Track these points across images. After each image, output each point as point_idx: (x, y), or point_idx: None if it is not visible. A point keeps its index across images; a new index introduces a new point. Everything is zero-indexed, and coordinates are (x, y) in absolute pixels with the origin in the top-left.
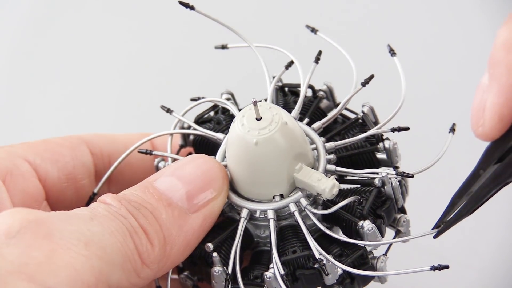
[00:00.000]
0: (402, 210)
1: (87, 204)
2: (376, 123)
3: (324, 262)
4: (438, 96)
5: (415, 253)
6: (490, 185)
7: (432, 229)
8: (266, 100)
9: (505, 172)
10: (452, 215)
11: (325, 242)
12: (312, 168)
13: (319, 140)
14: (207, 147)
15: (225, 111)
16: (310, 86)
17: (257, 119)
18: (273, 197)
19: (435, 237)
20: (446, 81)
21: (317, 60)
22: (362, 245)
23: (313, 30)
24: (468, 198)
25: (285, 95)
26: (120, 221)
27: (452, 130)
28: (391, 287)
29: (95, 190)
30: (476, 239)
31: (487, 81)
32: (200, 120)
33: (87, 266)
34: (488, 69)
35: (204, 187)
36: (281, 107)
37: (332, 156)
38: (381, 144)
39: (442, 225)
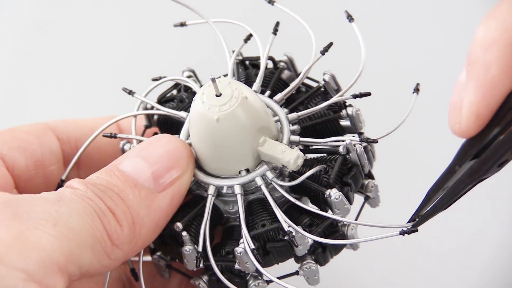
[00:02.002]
0: (370, 176)
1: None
2: (338, 90)
3: (294, 233)
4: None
5: (415, 253)
6: (466, 181)
7: (408, 222)
8: (227, 75)
9: (480, 169)
10: (427, 209)
11: (295, 213)
12: (276, 140)
13: (281, 112)
14: (172, 126)
15: (188, 89)
16: (270, 58)
17: (217, 95)
18: (239, 172)
19: (409, 231)
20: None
21: (275, 31)
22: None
23: (270, 1)
24: (444, 193)
25: (246, 68)
26: (87, 203)
27: (416, 90)
28: (391, 286)
29: (63, 177)
30: (476, 239)
31: (464, 79)
32: (163, 100)
33: (56, 246)
34: (466, 67)
35: (170, 166)
36: (243, 81)
37: (295, 127)
38: (344, 111)
39: (417, 219)
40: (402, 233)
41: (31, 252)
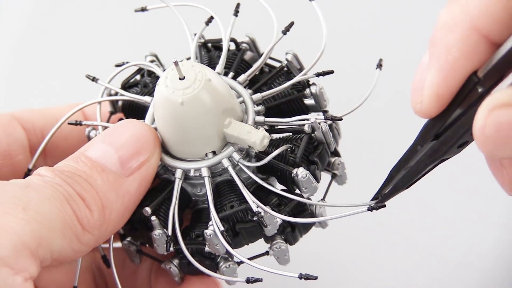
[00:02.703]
0: (336, 154)
1: None
2: (301, 69)
3: (262, 214)
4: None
5: (415, 253)
6: (426, 160)
7: (370, 200)
8: (189, 58)
9: (440, 150)
10: (389, 188)
11: (263, 193)
12: (241, 121)
13: (245, 93)
14: (137, 111)
15: (151, 73)
16: (232, 40)
17: (180, 79)
18: (206, 155)
19: (371, 209)
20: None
21: (236, 13)
22: (299, 193)
23: None
24: (405, 173)
25: (209, 51)
26: (56, 188)
27: (379, 66)
28: (391, 286)
29: (30, 166)
30: (476, 239)
31: (427, 60)
32: (127, 85)
33: (27, 230)
34: (429, 48)
35: (136, 150)
36: (206, 63)
37: (260, 108)
38: (307, 90)
39: (380, 197)
40: (370, 209)
41: (3, 236)
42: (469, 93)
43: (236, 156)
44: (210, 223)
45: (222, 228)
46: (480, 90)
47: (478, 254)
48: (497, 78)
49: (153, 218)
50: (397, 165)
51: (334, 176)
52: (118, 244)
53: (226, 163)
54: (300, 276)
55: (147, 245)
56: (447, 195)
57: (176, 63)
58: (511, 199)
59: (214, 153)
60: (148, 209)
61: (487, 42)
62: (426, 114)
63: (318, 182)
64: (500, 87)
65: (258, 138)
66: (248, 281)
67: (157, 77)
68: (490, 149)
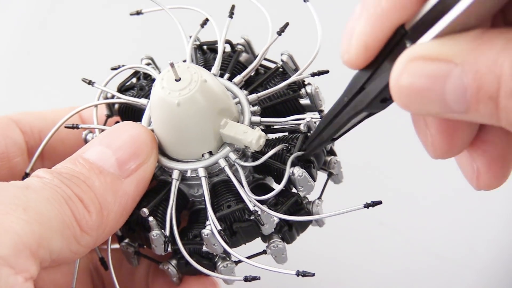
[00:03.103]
0: (332, 153)
1: None
2: (296, 70)
3: (259, 212)
4: None
5: (415, 253)
6: (350, 112)
7: (297, 152)
8: (185, 61)
9: (363, 102)
10: (315, 140)
11: (259, 192)
12: (237, 122)
13: (241, 94)
14: (133, 114)
15: (147, 76)
16: (228, 41)
17: (176, 80)
18: (202, 155)
19: (367, 206)
20: None
21: (231, 15)
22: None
23: None
24: (331, 125)
25: (204, 53)
26: (55, 190)
27: None
28: (391, 286)
29: (28, 170)
30: (476, 239)
31: (358, 10)
32: (123, 88)
33: (28, 230)
34: None
35: (133, 152)
36: (201, 65)
37: (256, 108)
38: (303, 90)
39: (305, 149)
40: (367, 206)
41: (4, 236)
42: (396, 46)
43: (233, 156)
44: (208, 222)
45: (219, 228)
46: (407, 42)
47: (477, 254)
48: (423, 31)
49: (151, 219)
50: (325, 117)
51: (330, 175)
52: (115, 246)
53: (222, 163)
54: (298, 273)
55: (144, 246)
56: (447, 195)
57: (172, 65)
58: (511, 199)
59: (210, 153)
60: (145, 210)
61: None
62: (353, 65)
63: (314, 181)
64: (423, 40)
65: (254, 138)
66: (246, 279)
67: (153, 80)
68: (403, 102)
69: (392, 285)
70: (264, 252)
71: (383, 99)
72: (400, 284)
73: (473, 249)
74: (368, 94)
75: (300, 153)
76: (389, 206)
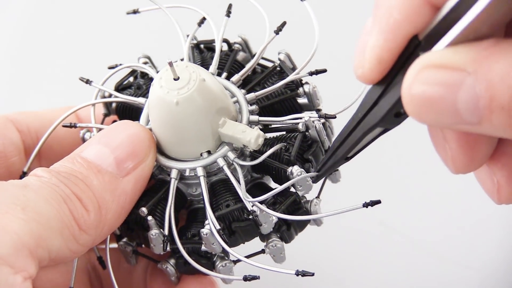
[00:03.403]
0: None
1: None
2: (294, 69)
3: (258, 212)
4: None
5: (415, 253)
6: (364, 128)
7: (316, 171)
8: (183, 59)
9: (376, 116)
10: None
11: (258, 192)
12: (236, 121)
13: (239, 93)
14: (131, 113)
15: (144, 75)
16: (225, 40)
17: (175, 79)
18: (201, 154)
19: (314, 181)
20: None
21: (228, 13)
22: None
23: None
24: (345, 142)
25: (202, 52)
26: (53, 189)
27: None
28: (390, 285)
29: (25, 169)
30: (476, 239)
31: (370, 23)
32: (120, 87)
33: (26, 230)
34: (373, 11)
35: (132, 151)
36: (199, 64)
37: (254, 107)
38: (301, 89)
39: (320, 169)
40: (366, 205)
41: (3, 236)
42: (410, 57)
43: (231, 155)
44: (206, 222)
45: (218, 227)
46: (421, 53)
47: (477, 254)
48: (437, 41)
49: (150, 218)
50: (339, 135)
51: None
52: (114, 245)
53: (221, 162)
54: (297, 273)
55: (143, 245)
56: (447, 195)
57: (170, 64)
58: None
59: (209, 152)
60: (144, 209)
61: (429, 4)
62: (367, 79)
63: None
64: (436, 49)
65: (253, 137)
66: (246, 278)
67: (151, 79)
68: (415, 112)
69: (392, 285)
70: (263, 251)
71: (397, 113)
72: (400, 284)
73: (474, 249)
74: (382, 108)
75: (314, 174)
76: (388, 205)
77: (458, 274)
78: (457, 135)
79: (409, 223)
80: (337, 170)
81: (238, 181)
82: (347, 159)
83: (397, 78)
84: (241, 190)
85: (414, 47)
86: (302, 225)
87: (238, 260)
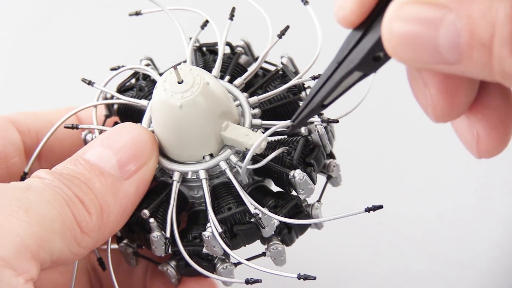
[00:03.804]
0: (331, 156)
1: None
2: (296, 73)
3: (260, 215)
4: None
5: (415, 253)
6: (341, 72)
7: (291, 121)
8: (185, 62)
9: (354, 60)
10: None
11: (259, 195)
12: (238, 124)
13: (242, 96)
14: (133, 114)
15: (146, 77)
16: (228, 43)
17: (179, 82)
18: (203, 157)
19: (289, 132)
20: None
21: (231, 17)
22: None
23: None
24: (321, 89)
25: (204, 54)
26: (55, 191)
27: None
28: (389, 285)
29: (26, 170)
30: (476, 239)
31: None
32: (122, 89)
33: (29, 232)
34: None
35: (134, 154)
36: (201, 67)
37: (256, 111)
38: (303, 93)
39: (295, 118)
40: (368, 210)
41: (6, 238)
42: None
43: (234, 159)
44: (208, 225)
45: (220, 230)
46: None
47: (477, 254)
48: None
49: (151, 220)
50: (316, 83)
51: (329, 177)
52: (114, 246)
53: (223, 165)
54: (299, 277)
55: (143, 247)
56: (447, 195)
57: (175, 67)
58: (511, 199)
59: (211, 155)
60: (146, 212)
61: None
62: (348, 21)
63: (314, 184)
64: None
65: (256, 141)
66: (248, 282)
67: (153, 81)
68: (395, 50)
69: (392, 285)
70: (264, 254)
71: (376, 57)
72: (400, 285)
73: (474, 249)
74: (361, 50)
75: (289, 123)
76: (388, 205)
77: (458, 274)
78: (437, 79)
79: (409, 223)
80: (335, 177)
81: (240, 184)
82: (323, 106)
83: (377, 19)
84: (245, 194)
85: None
86: (303, 228)
87: (239, 263)
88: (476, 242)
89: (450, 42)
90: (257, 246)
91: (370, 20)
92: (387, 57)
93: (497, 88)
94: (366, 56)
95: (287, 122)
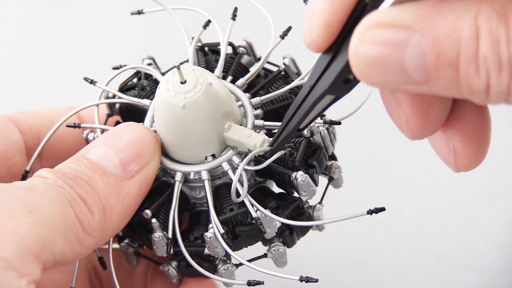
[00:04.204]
0: (333, 157)
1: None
2: (298, 74)
3: (261, 218)
4: None
5: (415, 253)
6: (314, 96)
7: (269, 145)
8: (187, 61)
9: (325, 84)
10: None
11: (261, 196)
12: (241, 125)
13: (244, 97)
14: (134, 114)
15: (148, 76)
16: (230, 43)
17: (181, 82)
18: (205, 158)
19: (268, 156)
20: None
21: (234, 17)
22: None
23: None
24: (296, 114)
25: (206, 54)
26: (58, 191)
27: None
28: (389, 285)
29: (27, 168)
30: (476, 239)
31: None
32: (124, 88)
33: (32, 233)
34: None
35: (137, 153)
36: (203, 67)
37: (259, 111)
38: None
39: (273, 144)
40: (370, 212)
41: (9, 239)
42: (358, 20)
43: (236, 160)
44: (210, 225)
45: (222, 231)
46: (367, 14)
47: (477, 254)
48: (383, 0)
49: (154, 220)
50: (291, 107)
51: (331, 179)
52: (115, 246)
53: (226, 166)
54: (301, 279)
55: (144, 247)
56: (447, 195)
57: (178, 67)
58: (511, 199)
59: (213, 156)
60: (148, 212)
61: None
62: (316, 46)
63: (316, 185)
64: (383, 8)
65: (259, 142)
66: (250, 283)
67: (155, 80)
68: (363, 73)
69: (392, 285)
70: (265, 255)
71: (347, 80)
72: (400, 285)
73: (473, 249)
74: (331, 74)
75: (268, 149)
76: (388, 205)
77: (458, 274)
78: (409, 98)
79: (409, 223)
80: (337, 179)
81: (242, 185)
82: (299, 130)
83: (345, 43)
84: (247, 196)
85: (361, 10)
86: (304, 230)
87: (240, 264)
88: (476, 242)
89: (416, 63)
90: (258, 247)
91: (338, 44)
92: (357, 80)
93: (470, 102)
94: (336, 80)
95: (266, 148)
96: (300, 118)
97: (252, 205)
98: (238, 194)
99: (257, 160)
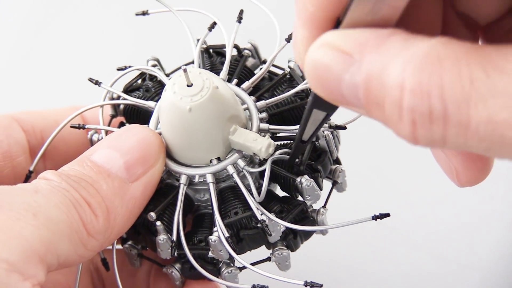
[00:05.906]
0: (337, 161)
1: (25, 182)
2: (303, 77)
3: (267, 221)
4: None
5: (415, 253)
6: (306, 110)
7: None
8: (192, 63)
9: (312, 100)
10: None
11: (264, 199)
12: (246, 128)
13: (250, 100)
14: (139, 115)
15: (153, 77)
16: (235, 46)
17: (188, 85)
18: (210, 161)
19: (375, 218)
20: None
21: (239, 19)
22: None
23: None
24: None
25: (211, 56)
26: (63, 193)
27: None
28: (390, 285)
29: (31, 168)
30: (476, 239)
31: (295, 19)
32: (129, 89)
33: (36, 236)
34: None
35: (141, 156)
36: (208, 69)
37: (264, 115)
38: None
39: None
40: (375, 218)
41: (14, 242)
42: None
43: (241, 163)
44: (215, 229)
45: (227, 235)
46: None
47: (478, 254)
48: None
49: (158, 223)
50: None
51: (335, 183)
52: (118, 247)
53: (231, 170)
54: (306, 284)
55: (147, 249)
56: (447, 195)
57: (185, 70)
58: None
59: (218, 159)
60: (153, 214)
61: None
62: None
63: (320, 189)
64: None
65: (264, 146)
66: (254, 287)
67: (159, 82)
68: (311, 84)
69: (392, 286)
70: (268, 259)
71: None
72: (400, 285)
73: (474, 249)
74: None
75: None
76: (388, 205)
77: (458, 274)
78: (457, 152)
79: (409, 223)
80: (341, 183)
81: (247, 189)
82: (303, 142)
83: None
84: (252, 199)
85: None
86: (308, 234)
87: (244, 267)
88: (477, 242)
89: (351, 91)
90: (261, 251)
91: None
92: None
93: None
94: (315, 95)
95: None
96: (300, 131)
97: (257, 208)
98: (237, 194)
99: (262, 164)
